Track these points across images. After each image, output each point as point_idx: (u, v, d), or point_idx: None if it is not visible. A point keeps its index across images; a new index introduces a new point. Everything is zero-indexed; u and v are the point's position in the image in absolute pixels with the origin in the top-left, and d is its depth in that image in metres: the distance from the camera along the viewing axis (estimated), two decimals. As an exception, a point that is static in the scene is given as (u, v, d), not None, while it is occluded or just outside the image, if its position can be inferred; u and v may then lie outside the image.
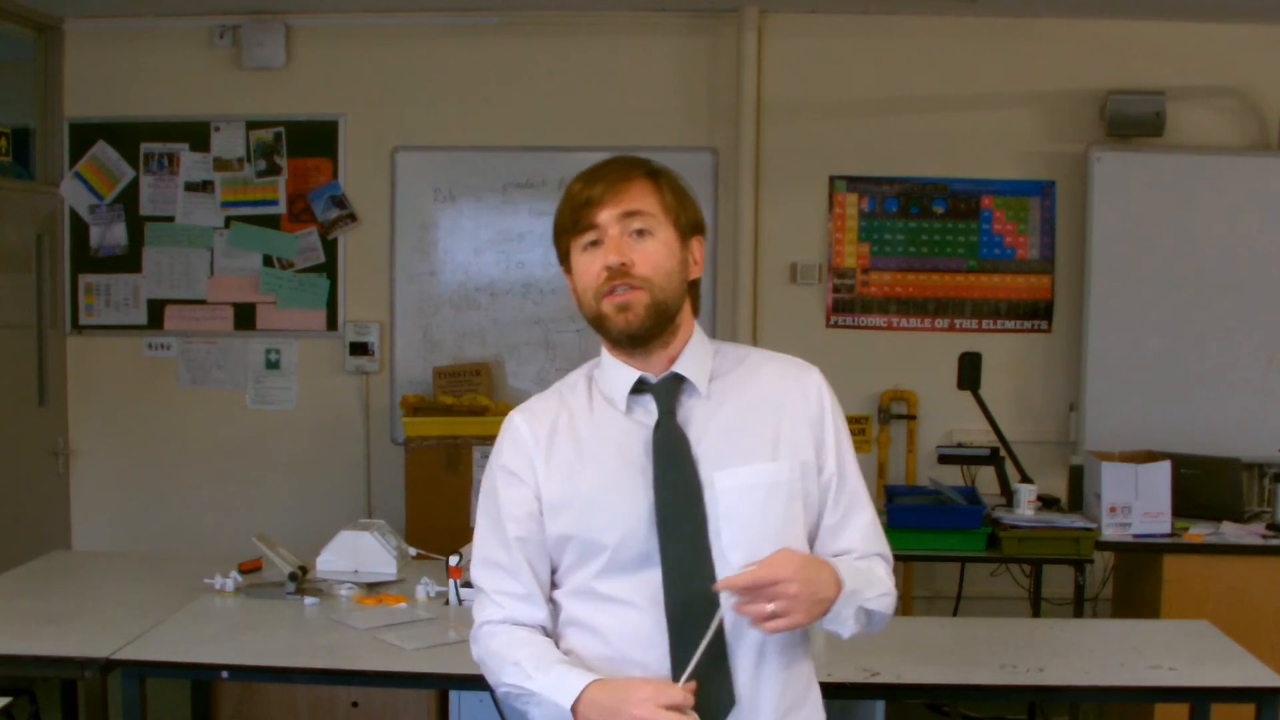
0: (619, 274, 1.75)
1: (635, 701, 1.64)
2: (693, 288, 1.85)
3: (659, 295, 1.77)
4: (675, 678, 1.72)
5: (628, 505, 1.77)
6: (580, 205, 1.77)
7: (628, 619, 1.77)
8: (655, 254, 1.77)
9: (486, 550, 1.86)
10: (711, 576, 1.74)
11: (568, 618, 1.83)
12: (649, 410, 1.82)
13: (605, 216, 1.76)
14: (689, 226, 1.83)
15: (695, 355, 1.84)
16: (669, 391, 1.82)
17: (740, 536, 1.76)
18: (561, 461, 1.82)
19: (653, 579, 1.76)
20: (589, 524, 1.78)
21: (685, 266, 1.82)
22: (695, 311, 1.88)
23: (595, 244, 1.78)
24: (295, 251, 5.53)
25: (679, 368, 1.82)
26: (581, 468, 1.81)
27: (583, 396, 1.87)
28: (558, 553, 1.84)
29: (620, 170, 1.80)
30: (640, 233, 1.77)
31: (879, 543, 1.89)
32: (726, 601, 1.71)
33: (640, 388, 1.82)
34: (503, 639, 1.81)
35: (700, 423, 1.81)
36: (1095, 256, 5.19)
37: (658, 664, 1.75)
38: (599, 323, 1.79)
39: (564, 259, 1.84)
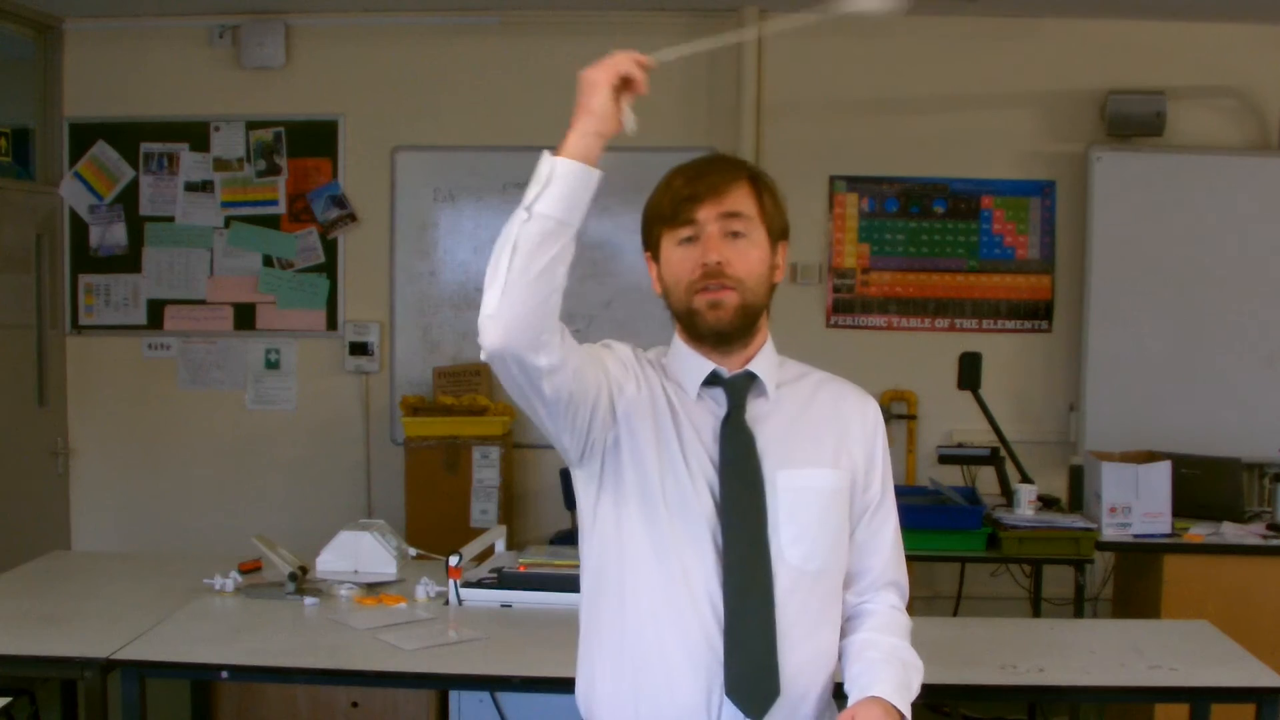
0: (715, 273, 1.79)
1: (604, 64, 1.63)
2: (772, 290, 1.89)
3: (749, 296, 1.82)
4: (727, 656, 1.76)
5: (690, 478, 1.81)
6: (682, 200, 1.82)
7: (686, 577, 1.80)
8: (749, 256, 1.82)
9: None
10: (768, 566, 1.79)
11: (633, 554, 1.82)
12: (718, 402, 1.87)
13: (705, 214, 1.81)
14: (779, 232, 1.89)
15: (768, 359, 1.90)
16: (741, 387, 1.86)
17: (801, 535, 1.83)
18: (647, 400, 1.84)
19: (708, 551, 1.79)
20: (652, 472, 1.81)
21: (772, 270, 1.87)
22: (769, 313, 1.91)
23: (691, 239, 1.82)
24: (295, 251, 5.53)
25: (753, 367, 1.88)
26: (664, 422, 1.84)
27: (655, 371, 1.90)
28: (612, 448, 1.83)
29: (725, 171, 1.85)
30: (736, 234, 1.82)
31: (897, 569, 1.96)
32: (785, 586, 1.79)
33: (711, 381, 1.87)
34: None
35: (766, 421, 1.86)
36: (1095, 256, 5.19)
37: (710, 617, 1.77)
38: (689, 317, 1.84)
39: (652, 246, 1.88)
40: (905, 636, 1.92)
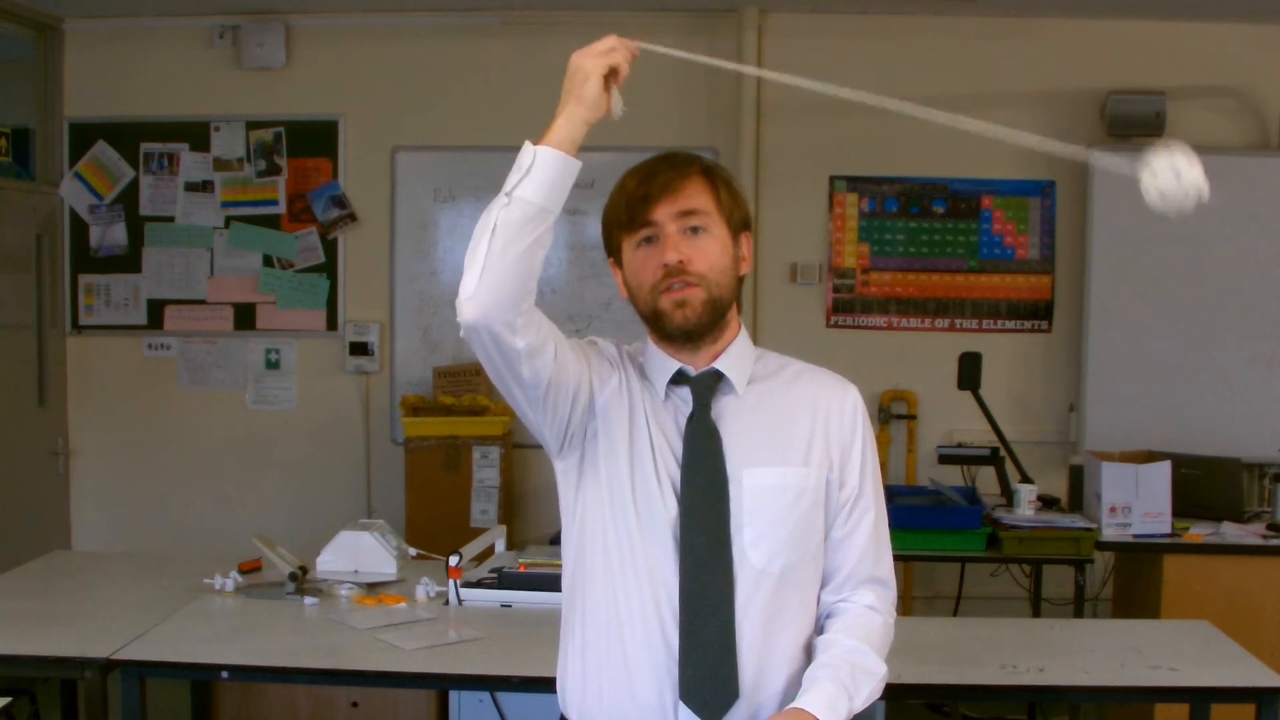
0: (677, 271, 1.78)
1: (591, 51, 1.71)
2: (739, 283, 1.88)
3: (714, 291, 1.80)
4: (682, 659, 1.75)
5: (657, 477, 1.80)
6: (636, 202, 1.81)
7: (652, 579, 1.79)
8: (710, 251, 1.81)
9: None
10: (728, 568, 1.77)
11: (603, 551, 1.82)
12: (686, 401, 1.85)
13: (661, 214, 1.80)
14: (740, 223, 1.87)
15: (738, 355, 1.87)
16: (707, 386, 1.85)
17: (762, 535, 1.79)
18: (625, 396, 1.85)
19: (669, 547, 1.79)
20: (623, 468, 1.81)
21: (736, 263, 1.85)
22: (739, 307, 1.90)
23: (650, 240, 1.81)
24: (295, 251, 5.53)
25: (720, 364, 1.86)
26: (638, 420, 1.84)
27: (634, 368, 1.90)
28: (588, 434, 1.84)
29: (676, 168, 1.83)
30: (695, 230, 1.80)
31: (875, 564, 1.89)
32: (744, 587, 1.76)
33: (679, 379, 1.85)
34: None
35: (733, 420, 1.84)
36: (1095, 256, 5.19)
37: (669, 618, 1.77)
38: (655, 319, 1.83)
39: (614, 252, 1.88)
40: (871, 638, 1.84)
